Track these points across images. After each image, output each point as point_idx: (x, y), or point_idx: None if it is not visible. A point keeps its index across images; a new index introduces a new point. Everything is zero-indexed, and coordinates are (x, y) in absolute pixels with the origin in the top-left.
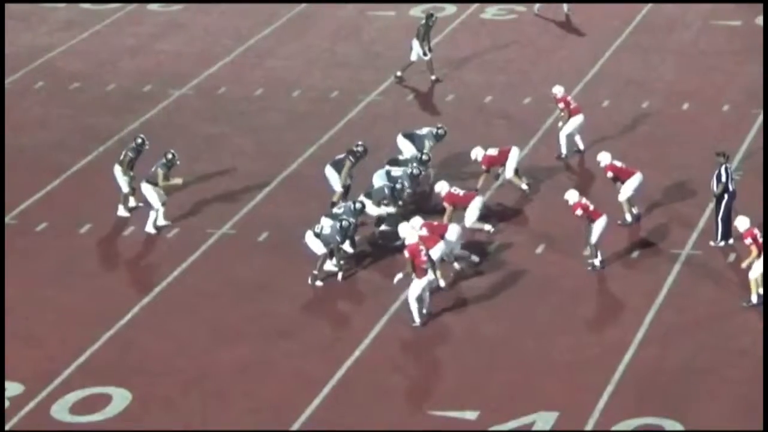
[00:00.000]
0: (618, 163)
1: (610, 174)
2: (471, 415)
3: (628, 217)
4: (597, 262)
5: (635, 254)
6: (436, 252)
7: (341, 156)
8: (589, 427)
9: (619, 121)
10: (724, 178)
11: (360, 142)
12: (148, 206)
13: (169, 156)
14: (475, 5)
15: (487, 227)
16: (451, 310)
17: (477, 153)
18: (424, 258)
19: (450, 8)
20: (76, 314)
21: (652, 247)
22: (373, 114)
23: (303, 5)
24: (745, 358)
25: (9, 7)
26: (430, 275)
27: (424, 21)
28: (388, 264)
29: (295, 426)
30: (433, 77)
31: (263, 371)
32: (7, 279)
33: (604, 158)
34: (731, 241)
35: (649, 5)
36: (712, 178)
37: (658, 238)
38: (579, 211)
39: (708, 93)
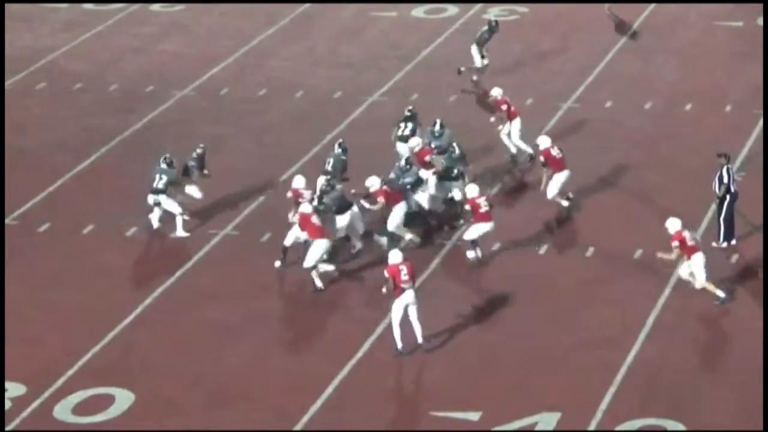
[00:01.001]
0: (555, 152)
1: (542, 159)
2: (473, 415)
3: (565, 202)
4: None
5: (637, 254)
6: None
7: (405, 129)
8: (591, 427)
9: (621, 122)
10: (726, 179)
11: (410, 107)
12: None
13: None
14: (478, 6)
15: (409, 236)
16: (454, 311)
17: (416, 143)
18: (405, 278)
19: (452, 9)
20: (79, 315)
21: (655, 247)
22: (376, 114)
23: (305, 6)
24: (747, 358)
25: (11, 8)
26: (408, 296)
27: (487, 27)
28: None
29: (298, 426)
30: (474, 78)
31: (266, 372)
32: (10, 280)
33: (544, 142)
34: (734, 241)
35: (652, 6)
36: (713, 179)
37: (660, 238)
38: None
39: (711, 93)
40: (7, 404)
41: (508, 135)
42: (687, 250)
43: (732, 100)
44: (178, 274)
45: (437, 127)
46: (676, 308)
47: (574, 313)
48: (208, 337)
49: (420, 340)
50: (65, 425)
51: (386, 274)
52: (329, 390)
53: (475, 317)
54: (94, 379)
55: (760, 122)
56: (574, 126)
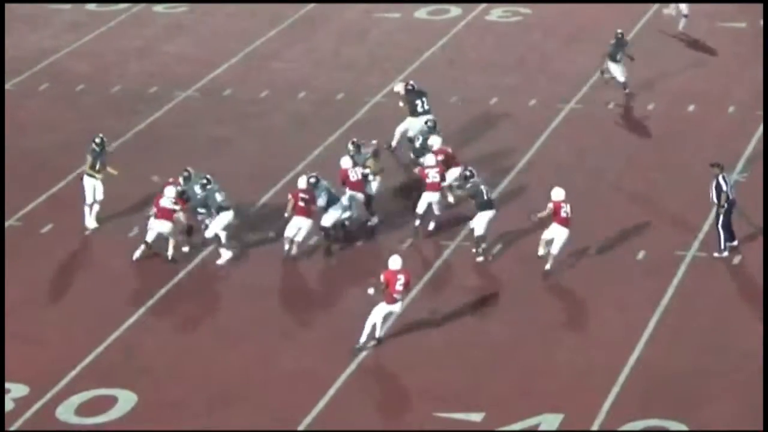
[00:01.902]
0: (449, 151)
1: (441, 157)
2: (476, 416)
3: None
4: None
5: (640, 255)
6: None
7: (423, 105)
8: (594, 428)
9: (624, 123)
10: (724, 188)
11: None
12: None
13: (98, 140)
14: (481, 7)
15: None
16: (456, 312)
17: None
18: (399, 288)
19: (455, 10)
20: (81, 316)
21: (658, 249)
22: (379, 116)
23: (308, 7)
24: (749, 360)
25: (15, 9)
26: (397, 307)
27: (614, 40)
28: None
29: (301, 427)
30: (627, 90)
31: (268, 372)
32: (13, 280)
33: (436, 142)
34: (735, 242)
35: (655, 7)
36: (710, 188)
37: (663, 240)
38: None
39: (713, 94)
40: (10, 405)
41: (403, 132)
42: (557, 219)
43: (735, 101)
44: (180, 275)
45: (350, 145)
46: (678, 309)
47: (576, 314)
48: (210, 339)
49: (380, 334)
50: (68, 426)
51: (381, 278)
52: (332, 391)
53: (477, 318)
54: (97, 380)
55: (763, 123)
56: (577, 127)
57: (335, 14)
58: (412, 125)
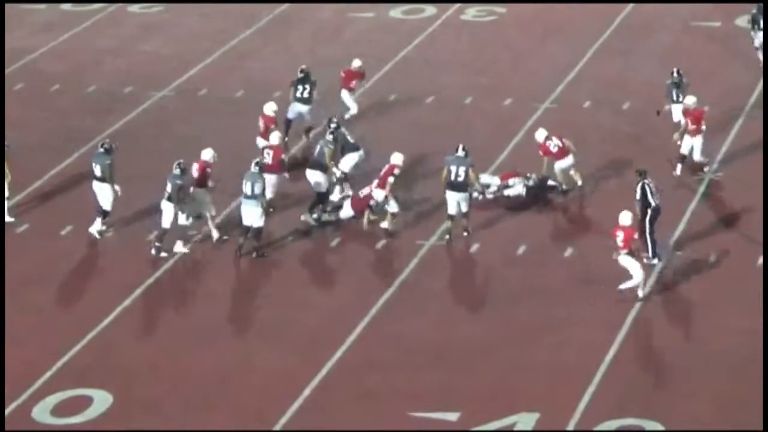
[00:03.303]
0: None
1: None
2: (452, 416)
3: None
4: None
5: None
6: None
7: (304, 91)
8: (570, 428)
9: (599, 122)
10: (648, 194)
11: (302, 66)
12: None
13: None
14: (456, 6)
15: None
16: (431, 311)
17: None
18: (620, 244)
19: (430, 9)
20: (57, 316)
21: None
22: (354, 115)
23: (283, 7)
24: (726, 358)
25: None
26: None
27: (670, 80)
28: (371, 264)
29: (277, 427)
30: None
31: (244, 373)
32: None
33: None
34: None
35: (630, 6)
36: (636, 195)
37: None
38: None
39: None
40: None
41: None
42: (553, 156)
43: (709, 100)
44: (157, 275)
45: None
46: (654, 308)
47: (552, 313)
48: (186, 339)
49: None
50: (43, 426)
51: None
52: (307, 391)
53: (453, 318)
54: (73, 381)
55: (738, 122)
56: (552, 126)
57: (310, 14)
58: (293, 108)
